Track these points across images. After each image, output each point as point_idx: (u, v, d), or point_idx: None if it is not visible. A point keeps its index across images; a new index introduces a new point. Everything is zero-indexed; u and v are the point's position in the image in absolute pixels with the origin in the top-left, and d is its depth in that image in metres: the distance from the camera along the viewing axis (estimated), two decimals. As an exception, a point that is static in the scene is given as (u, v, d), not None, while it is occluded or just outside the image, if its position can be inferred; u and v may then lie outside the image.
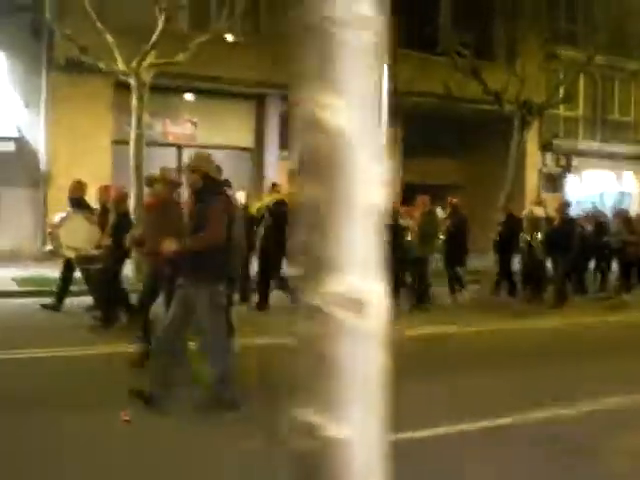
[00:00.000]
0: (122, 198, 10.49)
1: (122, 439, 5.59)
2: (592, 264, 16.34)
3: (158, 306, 7.83)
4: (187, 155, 13.74)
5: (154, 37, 14.60)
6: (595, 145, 26.80)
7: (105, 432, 5.70)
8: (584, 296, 15.26)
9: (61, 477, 4.94)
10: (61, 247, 10.72)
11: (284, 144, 21.45)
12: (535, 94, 20.61)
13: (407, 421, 4.58)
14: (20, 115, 18.39)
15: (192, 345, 6.87)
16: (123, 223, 9.92)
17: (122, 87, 16.42)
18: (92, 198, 11.40)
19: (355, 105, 1.72)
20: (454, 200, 14.54)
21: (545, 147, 25.78)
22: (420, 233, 13.01)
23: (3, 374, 7.54)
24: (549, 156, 26.14)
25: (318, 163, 1.73)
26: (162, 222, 7.26)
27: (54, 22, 15.94)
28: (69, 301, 11.34)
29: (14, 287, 13.65)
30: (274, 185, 13.40)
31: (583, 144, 26.64)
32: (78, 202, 11.07)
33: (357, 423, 1.75)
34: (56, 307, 11.20)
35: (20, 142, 18.17)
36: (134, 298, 9.17)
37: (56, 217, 11.16)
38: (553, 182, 26.20)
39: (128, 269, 11.62)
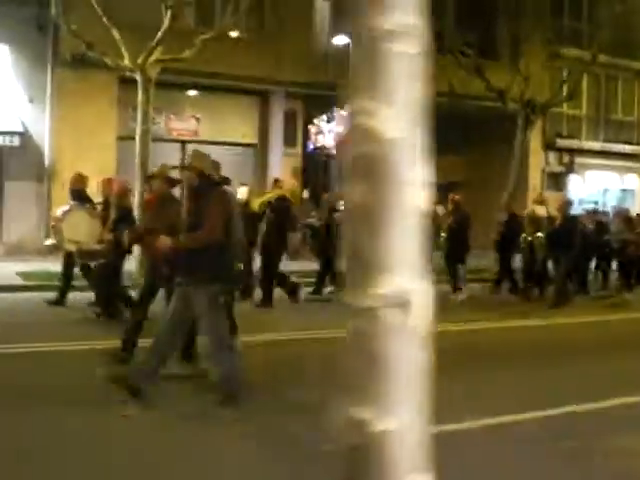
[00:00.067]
0: (124, 192, 10.41)
1: (122, 438, 5.55)
2: (593, 263, 16.38)
3: (158, 303, 7.85)
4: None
5: (160, 33, 14.64)
6: (598, 144, 26.82)
7: (106, 430, 5.66)
8: (585, 296, 15.27)
9: (61, 475, 4.92)
10: (63, 241, 10.67)
11: (288, 141, 21.51)
12: (539, 93, 20.64)
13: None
14: (25, 110, 18.43)
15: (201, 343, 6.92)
16: (125, 218, 9.90)
17: (127, 83, 16.48)
18: (94, 191, 11.42)
19: (401, 113, 1.81)
20: (456, 197, 14.53)
21: (548, 146, 25.79)
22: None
23: (6, 369, 7.56)
24: (552, 155, 26.15)
25: (367, 168, 1.81)
26: (160, 219, 7.22)
27: (60, 17, 15.96)
28: (72, 296, 11.38)
29: (19, 281, 13.74)
30: (276, 181, 13.41)
31: (586, 143, 26.65)
32: (79, 194, 11.07)
33: (404, 418, 1.82)
34: (60, 302, 11.25)
35: (25, 137, 18.19)
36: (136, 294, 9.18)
37: (58, 211, 11.13)
38: (556, 181, 26.22)
39: (132, 265, 11.66)
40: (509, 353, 9.28)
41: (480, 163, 24.95)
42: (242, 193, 12.09)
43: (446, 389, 6.99)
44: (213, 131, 20.83)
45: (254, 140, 21.87)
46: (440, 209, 14.68)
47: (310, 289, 13.62)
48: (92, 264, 10.77)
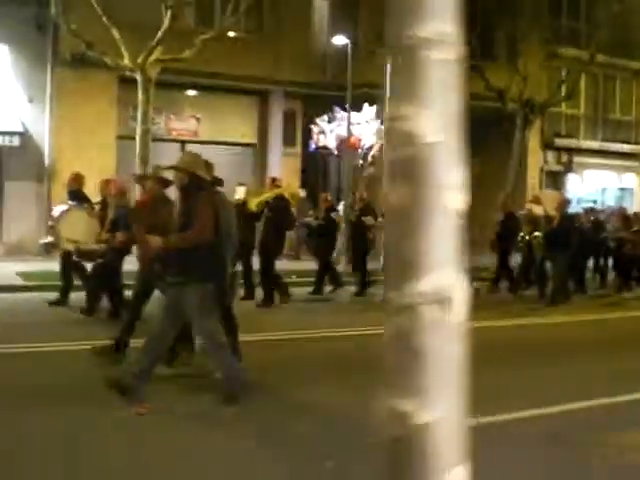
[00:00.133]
0: (122, 192, 10.37)
1: (122, 438, 5.56)
2: (591, 262, 16.42)
3: (151, 303, 7.89)
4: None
5: (160, 33, 14.68)
6: (596, 144, 26.88)
7: (106, 430, 5.68)
8: (583, 294, 15.30)
9: (61, 475, 4.93)
10: (61, 240, 10.68)
11: (287, 140, 21.54)
12: (537, 93, 20.70)
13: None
14: (25, 110, 18.45)
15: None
16: (123, 218, 9.85)
17: (127, 82, 16.51)
18: (93, 191, 11.43)
19: (439, 117, 1.91)
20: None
21: (547, 145, 25.84)
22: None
23: (6, 369, 7.57)
24: (550, 154, 26.21)
25: (406, 171, 1.88)
26: (153, 219, 7.23)
27: (59, 17, 15.98)
28: (74, 295, 11.41)
29: (19, 281, 13.77)
30: (274, 180, 13.40)
31: (584, 143, 26.70)
32: (76, 195, 11.10)
33: (444, 410, 1.92)
34: (61, 302, 11.29)
35: (25, 137, 18.22)
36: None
37: (56, 210, 11.13)
38: (554, 180, 26.27)
39: (133, 264, 11.65)
40: (507, 352, 9.29)
41: (478, 162, 24.95)
42: (240, 193, 12.09)
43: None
44: (213, 131, 20.87)
45: (253, 140, 21.91)
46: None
47: (310, 289, 13.66)
48: (89, 263, 10.81)
